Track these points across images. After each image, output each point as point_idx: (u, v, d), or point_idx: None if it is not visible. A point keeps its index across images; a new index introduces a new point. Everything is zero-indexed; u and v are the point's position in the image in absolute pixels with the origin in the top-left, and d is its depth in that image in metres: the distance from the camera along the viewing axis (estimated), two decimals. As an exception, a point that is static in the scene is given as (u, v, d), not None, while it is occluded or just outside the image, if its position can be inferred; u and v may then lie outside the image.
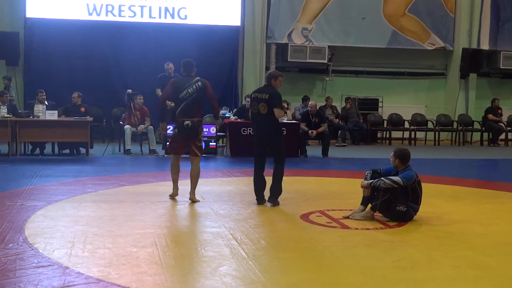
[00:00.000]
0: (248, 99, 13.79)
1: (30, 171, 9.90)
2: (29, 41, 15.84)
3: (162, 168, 11.14)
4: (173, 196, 7.97)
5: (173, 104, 8.27)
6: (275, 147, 7.69)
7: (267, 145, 7.68)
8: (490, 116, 17.54)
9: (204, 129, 12.83)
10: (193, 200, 7.77)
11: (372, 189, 6.67)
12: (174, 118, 8.08)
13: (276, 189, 7.58)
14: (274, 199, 7.56)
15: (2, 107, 12.49)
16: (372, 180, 6.67)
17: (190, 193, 7.85)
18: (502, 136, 17.72)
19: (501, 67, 18.29)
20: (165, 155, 12.46)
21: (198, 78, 7.89)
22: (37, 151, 12.83)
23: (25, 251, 5.12)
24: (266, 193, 7.55)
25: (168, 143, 9.03)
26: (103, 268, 4.70)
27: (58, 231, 5.87)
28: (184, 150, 8.04)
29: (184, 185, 7.88)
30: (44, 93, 13.02)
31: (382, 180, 6.57)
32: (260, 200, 7.64)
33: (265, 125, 7.60)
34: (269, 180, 7.55)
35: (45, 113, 12.35)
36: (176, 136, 7.96)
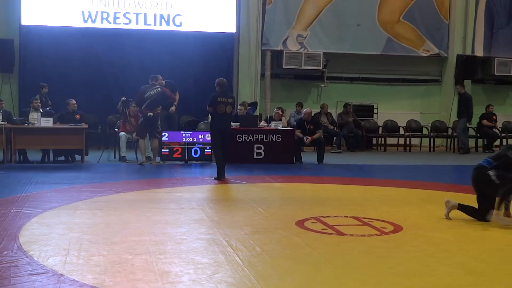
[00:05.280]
0: (242, 107, 13.92)
1: (25, 178, 9.88)
2: (24, 48, 15.84)
3: (157, 175, 11.13)
4: (141, 163, 12.28)
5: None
6: (229, 137, 10.89)
7: (225, 136, 10.53)
8: (485, 122, 17.58)
9: (200, 136, 12.90)
10: (153, 163, 12.30)
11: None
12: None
13: (225, 166, 10.41)
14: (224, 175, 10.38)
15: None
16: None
17: (152, 160, 12.43)
18: (497, 142, 17.76)
19: (496, 74, 18.37)
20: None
21: (158, 86, 12.30)
22: (37, 158, 12.81)
23: (20, 258, 5.10)
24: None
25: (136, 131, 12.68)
26: (98, 275, 4.68)
27: (53, 238, 5.85)
28: (146, 133, 12.29)
29: (179, 192, 7.84)
30: (39, 101, 13.01)
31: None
32: (223, 176, 10.27)
33: (228, 121, 10.83)
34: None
35: (40, 120, 12.34)
36: (142, 123, 12.22)
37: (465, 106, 16.61)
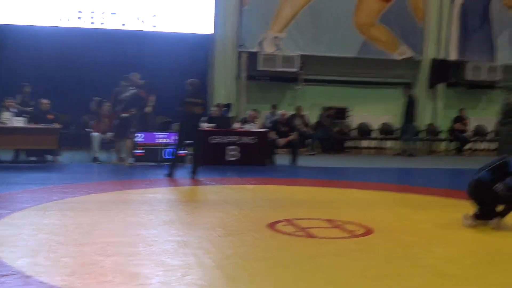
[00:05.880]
0: (215, 108, 13.91)
1: (-4, 179, 9.77)
2: (-1, 47, 15.66)
3: (129, 176, 11.06)
4: (119, 161, 12.57)
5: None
6: (197, 138, 10.96)
7: (191, 136, 10.77)
8: (457, 125, 17.77)
9: (173, 137, 12.82)
10: (125, 164, 12.31)
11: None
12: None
13: (198, 167, 10.64)
14: (198, 174, 10.53)
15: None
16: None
17: (125, 160, 12.43)
18: (468, 146, 17.96)
19: (468, 78, 18.55)
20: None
21: (133, 88, 12.49)
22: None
23: (-13, 260, 5.03)
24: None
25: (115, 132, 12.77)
26: (66, 277, 4.63)
27: (22, 239, 5.78)
28: (122, 135, 12.37)
29: (151, 193, 7.81)
30: (12, 100, 12.88)
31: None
32: (175, 174, 10.56)
33: (196, 121, 10.84)
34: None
35: (12, 120, 12.20)
36: (118, 124, 12.37)
37: (412, 109, 16.79)
